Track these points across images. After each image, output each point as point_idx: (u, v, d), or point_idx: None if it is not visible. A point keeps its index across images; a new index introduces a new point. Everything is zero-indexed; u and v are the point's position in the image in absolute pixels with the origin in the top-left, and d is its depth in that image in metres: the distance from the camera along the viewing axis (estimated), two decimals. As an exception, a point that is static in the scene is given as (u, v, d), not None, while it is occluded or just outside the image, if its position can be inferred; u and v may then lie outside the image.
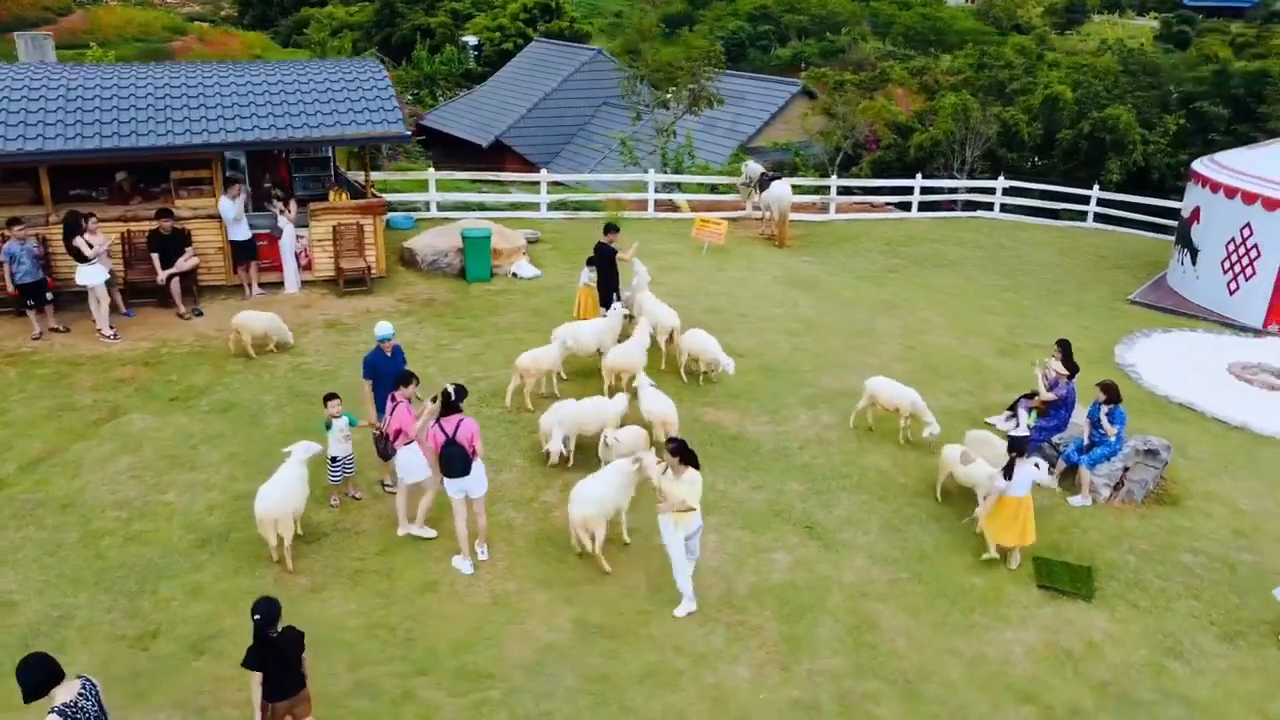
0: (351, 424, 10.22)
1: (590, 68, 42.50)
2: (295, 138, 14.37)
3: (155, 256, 14.10)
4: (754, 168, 21.39)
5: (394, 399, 9.63)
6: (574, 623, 8.92)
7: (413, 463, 9.70)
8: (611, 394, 12.02)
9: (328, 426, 10.12)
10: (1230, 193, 17.39)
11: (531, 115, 39.08)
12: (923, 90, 30.91)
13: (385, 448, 10.19)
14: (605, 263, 14.27)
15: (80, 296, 13.73)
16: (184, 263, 14.26)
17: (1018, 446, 10.04)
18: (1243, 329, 17.19)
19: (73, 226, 13.15)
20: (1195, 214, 18.28)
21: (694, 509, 8.84)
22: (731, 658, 8.69)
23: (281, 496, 9.22)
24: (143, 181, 15.31)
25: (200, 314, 14.39)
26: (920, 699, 8.38)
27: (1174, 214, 22.50)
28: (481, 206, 20.48)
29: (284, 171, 16.59)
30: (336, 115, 14.74)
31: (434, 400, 9.80)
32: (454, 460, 9.04)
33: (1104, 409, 11.51)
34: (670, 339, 13.79)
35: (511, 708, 7.93)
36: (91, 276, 13.15)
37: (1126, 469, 11.62)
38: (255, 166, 16.09)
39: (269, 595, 7.18)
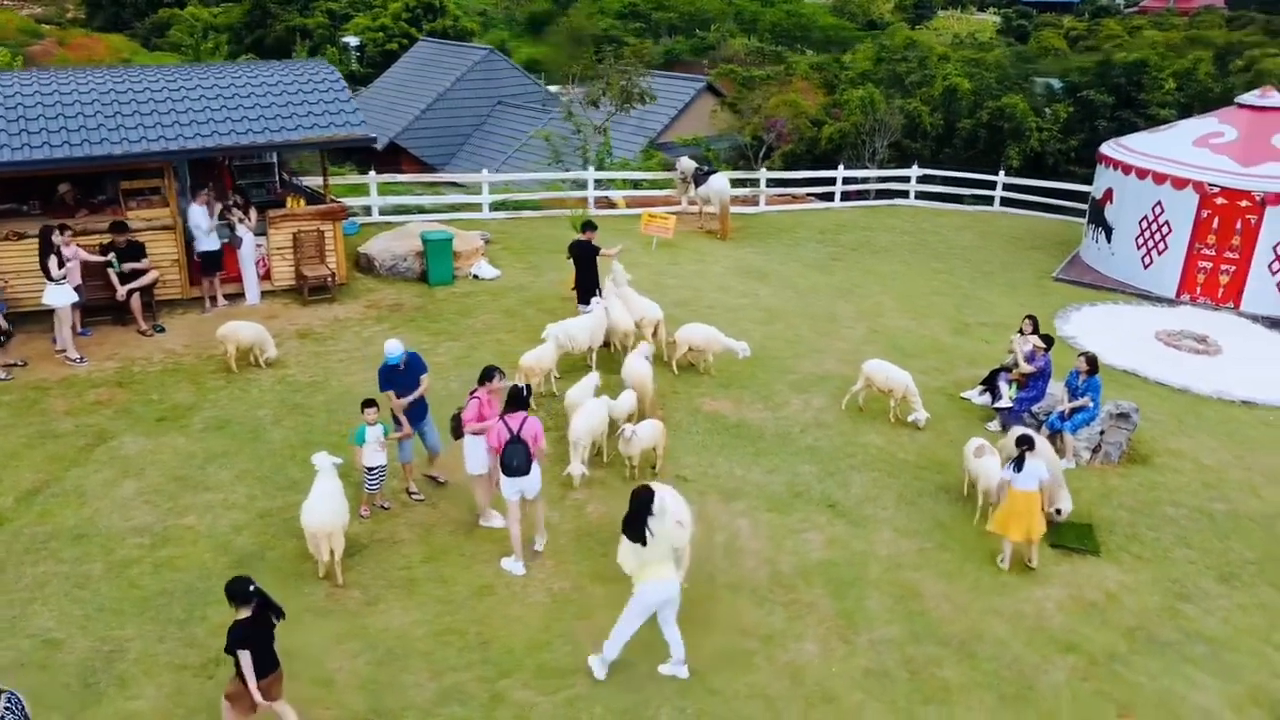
0: (385, 434, 10.00)
1: (483, 67, 42.09)
2: (257, 143, 13.86)
3: (112, 272, 13.36)
4: (688, 163, 21.73)
5: (472, 395, 9.70)
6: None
7: (473, 455, 9.71)
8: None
9: (361, 435, 9.88)
10: (1141, 174, 18.75)
11: (426, 116, 38.48)
12: (825, 85, 31.92)
13: (454, 428, 10.03)
14: (584, 260, 14.32)
15: (33, 316, 12.92)
16: (143, 277, 13.56)
17: (1028, 441, 10.16)
18: (1158, 300, 18.55)
19: (46, 244, 12.34)
20: (1108, 195, 19.61)
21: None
22: (796, 635, 8.96)
23: (331, 510, 9.00)
24: (87, 193, 14.47)
25: (162, 330, 13.73)
26: (978, 658, 8.84)
27: (1072, 195, 24.14)
28: (421, 209, 20.14)
29: (227, 179, 15.97)
30: (296, 119, 14.28)
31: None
32: (517, 457, 9.03)
33: (1082, 378, 12.32)
34: (655, 332, 13.96)
35: (605, 701, 8.00)
36: (58, 298, 12.37)
37: (1102, 432, 12.46)
38: (196, 174, 15.43)
39: (240, 574, 7.21)
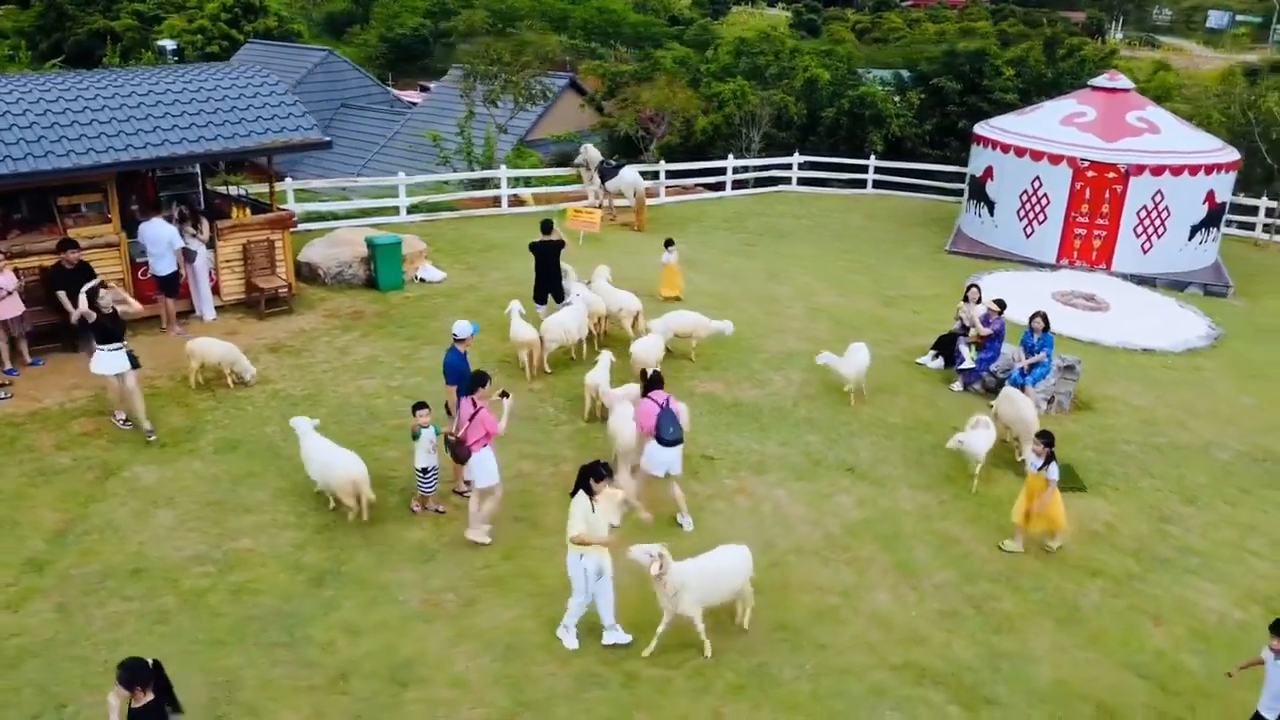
0: (436, 434, 9.93)
1: (323, 69, 40.78)
2: (212, 150, 13.21)
3: (63, 294, 12.39)
4: (593, 152, 22.02)
5: (473, 403, 9.50)
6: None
7: (489, 467, 9.65)
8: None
9: (415, 437, 9.78)
10: (1020, 152, 20.63)
11: (266, 122, 36.64)
12: (690, 80, 32.84)
13: (461, 452, 9.62)
14: (546, 259, 14.41)
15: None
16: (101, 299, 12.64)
17: (1049, 439, 10.08)
18: (1041, 265, 20.49)
19: None
20: (988, 172, 21.43)
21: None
22: (868, 587, 9.64)
23: (351, 459, 9.81)
24: (14, 212, 13.31)
25: (122, 354, 12.86)
26: (1024, 590, 9.80)
27: (938, 175, 26.15)
28: (334, 215, 19.54)
29: (150, 190, 15.03)
30: (246, 124, 13.68)
31: (503, 395, 9.86)
32: (672, 424, 9.71)
33: (1036, 336, 13.62)
34: (634, 322, 14.31)
35: (731, 665, 8.38)
36: None
37: (1054, 384, 13.84)
38: (120, 186, 14.44)
39: (135, 657, 6.35)
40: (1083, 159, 19.83)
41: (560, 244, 14.48)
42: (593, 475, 8.28)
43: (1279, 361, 16.58)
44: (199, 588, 8.78)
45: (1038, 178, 20.39)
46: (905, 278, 19.61)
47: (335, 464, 9.82)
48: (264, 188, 15.79)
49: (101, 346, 10.74)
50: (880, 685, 8.37)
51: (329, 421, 11.71)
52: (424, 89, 49.56)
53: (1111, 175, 19.72)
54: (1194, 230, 20.26)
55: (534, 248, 14.55)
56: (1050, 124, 20.86)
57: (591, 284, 14.62)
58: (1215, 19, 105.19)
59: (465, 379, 10.05)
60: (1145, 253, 20.14)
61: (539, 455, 11.41)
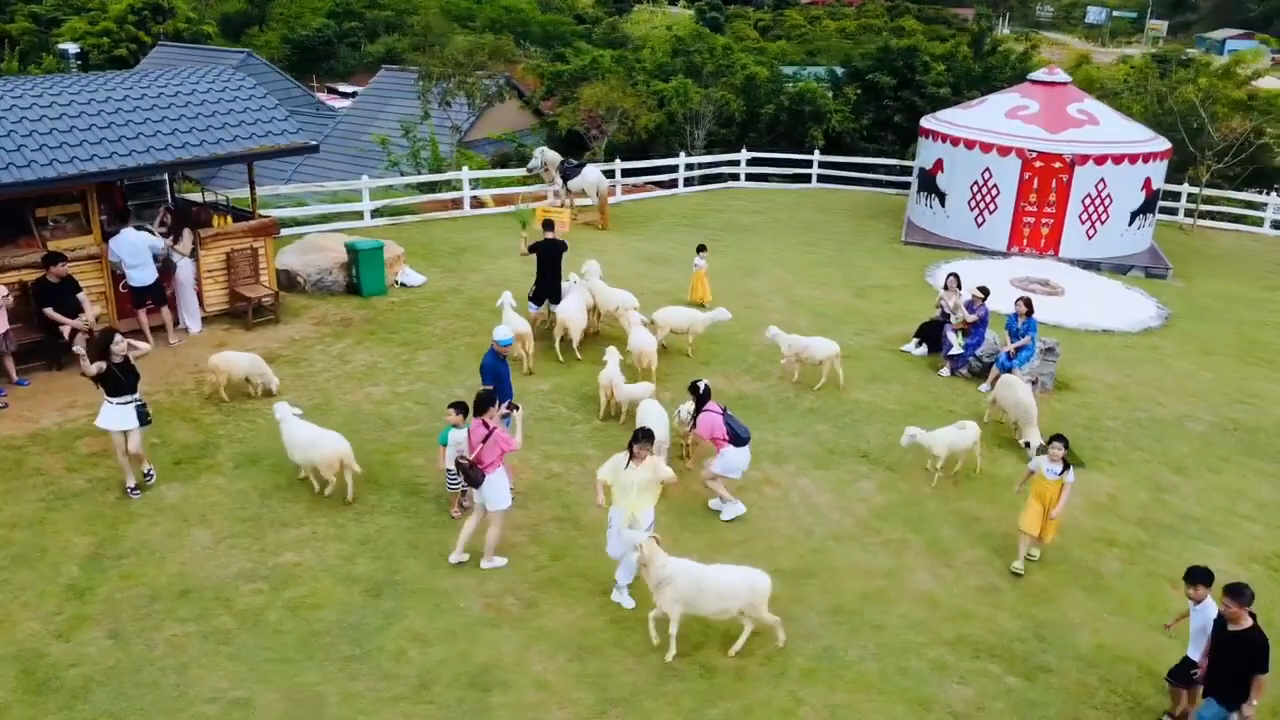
0: (442, 441, 9.84)
1: (244, 72, 39.42)
2: (200, 157, 12.78)
3: (51, 310, 11.88)
4: (552, 155, 21.98)
5: (485, 424, 9.07)
6: (776, 573, 9.57)
7: (503, 490, 9.23)
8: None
9: (444, 436, 9.71)
10: (969, 145, 21.37)
11: (183, 127, 35.42)
12: (628, 79, 32.96)
13: (475, 475, 9.06)
14: (550, 259, 14.38)
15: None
16: (89, 314, 12.16)
17: (1067, 442, 10.04)
18: (993, 253, 21.27)
19: None
20: (938, 164, 22.13)
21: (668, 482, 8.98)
22: (908, 569, 9.95)
23: (334, 438, 10.05)
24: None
25: (108, 370, 12.36)
26: (1049, 562, 10.24)
27: (879, 169, 26.90)
28: (296, 221, 19.08)
29: (119, 199, 14.48)
30: (230, 129, 13.30)
31: (511, 407, 9.83)
32: (741, 426, 10.13)
33: (1020, 320, 14.19)
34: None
35: (800, 652, 8.57)
36: None
37: (1037, 366, 14.43)
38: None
39: None
40: (1030, 150, 20.66)
41: (563, 245, 14.46)
42: (635, 439, 8.74)
43: (1225, 338, 17.60)
44: (254, 606, 8.56)
45: (988, 169, 21.16)
46: (870, 269, 20.14)
47: (319, 442, 10.07)
48: (280, 190, 15.38)
49: (111, 400, 9.66)
50: (941, 661, 8.67)
51: (345, 430, 11.42)
52: (333, 91, 48.52)
53: (1058, 165, 20.59)
54: (1133, 216, 21.32)
55: (537, 247, 14.44)
56: (996, 117, 21.66)
57: (586, 279, 14.67)
58: (1094, 14, 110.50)
59: (501, 381, 10.02)
60: (1090, 239, 21.10)
61: (564, 456, 11.42)
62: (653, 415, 11.23)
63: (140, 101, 13.02)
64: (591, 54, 32.86)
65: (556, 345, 13.89)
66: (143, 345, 10.19)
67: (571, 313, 13.78)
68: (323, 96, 45.62)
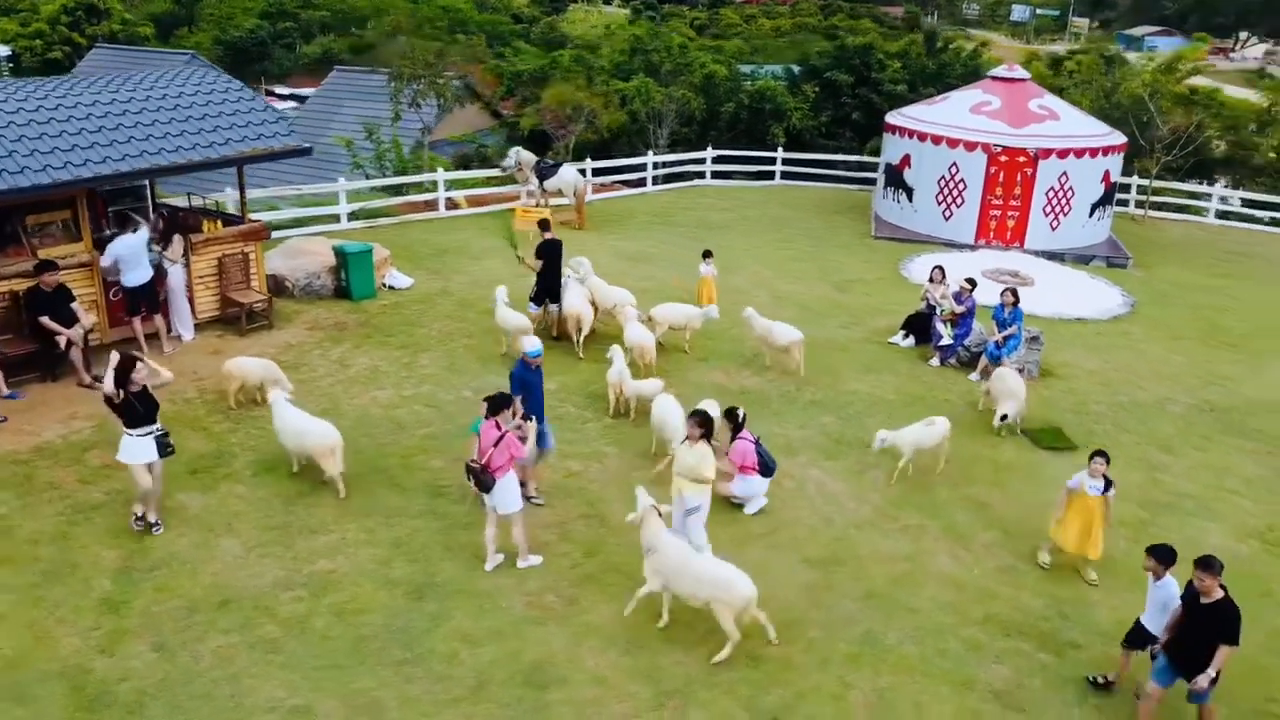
0: (474, 430, 9.86)
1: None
2: (194, 160, 12.53)
3: (46, 319, 11.57)
4: (526, 155, 21.94)
5: (497, 426, 9.09)
6: (805, 563, 9.83)
7: (514, 493, 9.22)
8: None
9: (476, 426, 9.72)
10: (936, 140, 21.86)
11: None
12: (587, 78, 32.99)
13: (486, 479, 9.01)
14: (552, 259, 14.39)
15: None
16: (84, 323, 11.87)
17: (1104, 453, 9.98)
18: (961, 246, 21.79)
19: None
20: (905, 160, 22.60)
21: (705, 481, 9.16)
22: (929, 553, 10.22)
23: (325, 427, 10.23)
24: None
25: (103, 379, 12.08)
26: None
27: (839, 165, 27.36)
28: (273, 226, 18.71)
29: (100, 206, 14.12)
30: (221, 132, 13.06)
31: (525, 418, 9.78)
32: (770, 459, 10.30)
33: (1007, 310, 14.59)
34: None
35: (844, 638, 8.75)
36: None
37: (1023, 354, 14.86)
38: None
39: None
40: (996, 145, 21.23)
41: (560, 243, 14.50)
42: (700, 422, 9.16)
43: (1189, 323, 18.31)
44: (298, 613, 8.47)
45: (955, 164, 21.68)
46: (844, 263, 20.49)
47: (310, 431, 10.24)
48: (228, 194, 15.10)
49: (130, 431, 9.15)
50: (975, 641, 8.93)
51: (358, 435, 11.45)
52: (270, 93, 47.59)
53: (1022, 159, 21.20)
54: (1093, 208, 22.03)
55: (540, 248, 14.42)
56: (961, 112, 22.19)
57: (578, 275, 14.74)
58: (1018, 12, 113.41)
59: (531, 391, 10.04)
60: (1054, 230, 21.75)
61: (581, 454, 11.47)
62: (669, 411, 11.37)
63: (129, 105, 12.72)
64: (531, 53, 32.79)
65: (578, 344, 14.00)
66: (164, 374, 9.67)
67: (580, 305, 14.01)
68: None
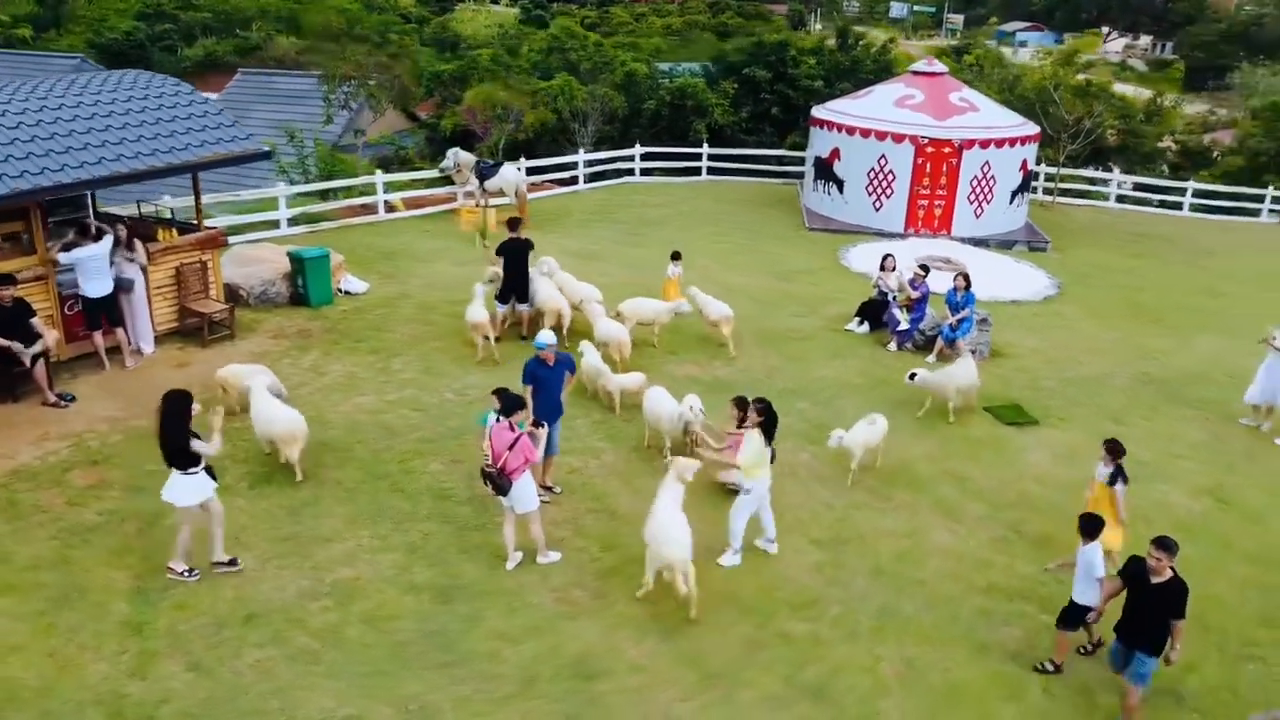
0: (482, 423, 9.86)
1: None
2: (155, 167, 12.06)
3: (1, 339, 10.99)
4: (465, 156, 21.75)
5: (512, 427, 9.10)
6: (813, 544, 10.13)
7: (530, 492, 9.25)
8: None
9: (484, 419, 9.73)
10: (865, 133, 22.57)
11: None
12: (505, 78, 32.76)
13: (503, 482, 9.02)
14: (515, 259, 14.35)
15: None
16: (45, 339, 11.33)
17: (1118, 449, 9.93)
18: (892, 235, 22.55)
19: None
20: (835, 153, 23.24)
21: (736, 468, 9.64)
22: (926, 527, 10.66)
23: (292, 416, 10.38)
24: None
25: (72, 398, 11.57)
26: (1042, 513, 11.11)
27: (761, 159, 27.93)
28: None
29: (40, 215, 13.47)
30: (179, 137, 12.61)
31: (536, 424, 9.73)
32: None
33: (960, 294, 15.22)
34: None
35: (867, 613, 9.09)
36: None
37: (975, 336, 15.53)
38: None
39: None
40: (923, 137, 22.04)
41: (529, 243, 14.48)
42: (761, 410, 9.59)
43: (1113, 303, 19.41)
44: (329, 623, 8.33)
45: (883, 156, 22.43)
46: (785, 255, 20.99)
47: (278, 418, 10.43)
48: (167, 201, 14.55)
49: (182, 471, 8.48)
50: (983, 607, 9.38)
51: (351, 443, 11.30)
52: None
53: (947, 150, 22.07)
54: (1012, 195, 23.09)
55: (503, 249, 14.37)
56: (886, 106, 22.96)
57: (545, 271, 14.81)
58: (896, 9, 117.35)
59: (541, 387, 10.06)
60: (978, 218, 22.72)
61: (577, 450, 11.51)
62: (662, 401, 11.54)
63: (78, 110, 12.16)
64: (426, 53, 32.29)
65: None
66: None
67: (557, 299, 14.13)
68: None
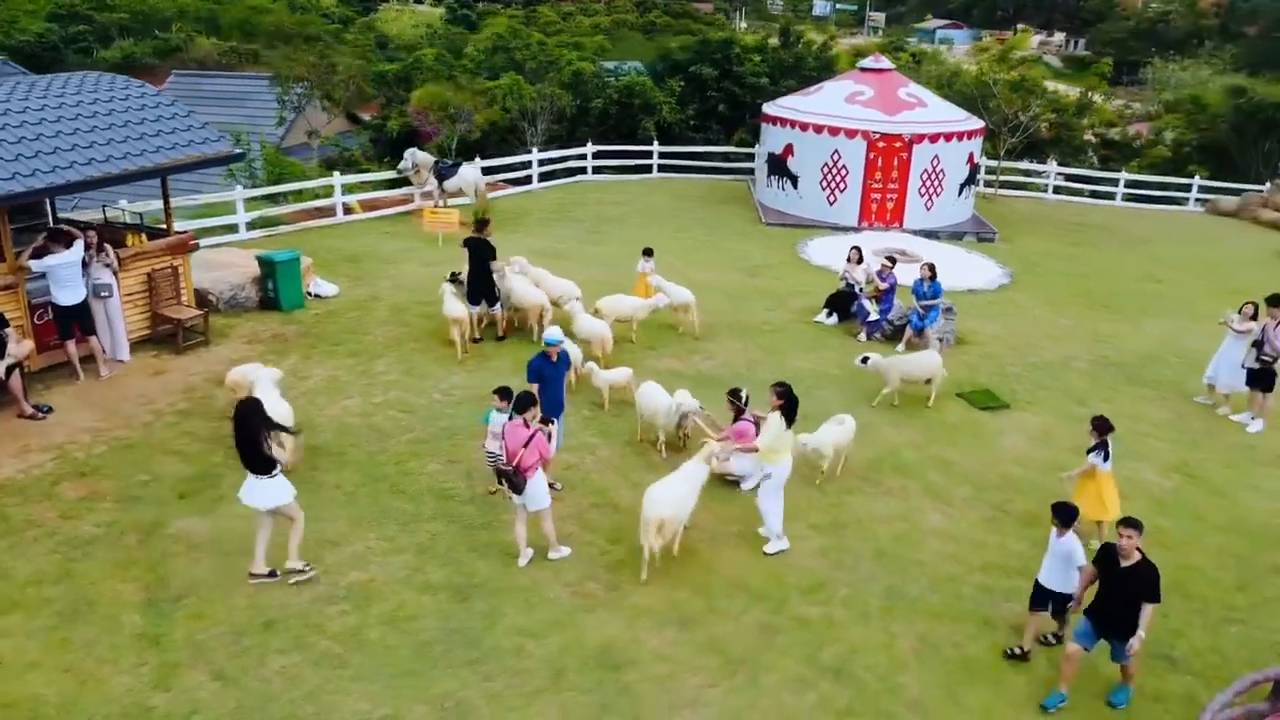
0: (485, 421, 9.89)
1: (-2, 80, 35.46)
2: (128, 171, 11.75)
3: (-19, 349, 10.65)
4: (424, 156, 21.58)
5: (526, 424, 9.12)
6: (814, 529, 10.35)
7: (543, 489, 9.32)
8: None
9: (487, 417, 9.78)
10: (818, 129, 22.96)
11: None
12: (451, 78, 32.48)
13: (518, 480, 9.02)
14: (478, 257, 14.25)
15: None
16: (19, 350, 10.98)
17: (1105, 426, 10.36)
18: (846, 229, 22.99)
19: None
20: (789, 149, 23.59)
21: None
22: (918, 510, 10.96)
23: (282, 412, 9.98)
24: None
25: (49, 409, 11.24)
26: (1028, 493, 11.48)
27: (710, 156, 28.22)
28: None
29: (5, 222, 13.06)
30: (149, 139, 12.32)
31: (546, 422, 9.74)
32: None
33: (926, 284, 15.63)
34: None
35: (876, 593, 9.32)
36: None
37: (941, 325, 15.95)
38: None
39: None
40: (875, 132, 22.51)
41: (491, 248, 14.39)
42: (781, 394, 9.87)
43: (1063, 290, 20.07)
44: (350, 626, 8.27)
45: (836, 151, 22.85)
46: (746, 250, 21.25)
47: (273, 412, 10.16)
48: (124, 206, 14.17)
49: (258, 476, 8.48)
50: (983, 584, 9.70)
51: (345, 446, 11.19)
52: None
53: (898, 145, 22.57)
54: (960, 188, 23.72)
55: (467, 243, 14.31)
56: (837, 102, 23.40)
57: (514, 270, 14.84)
58: (820, 8, 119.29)
59: (546, 383, 10.08)
60: (928, 210, 23.28)
61: (570, 446, 11.52)
62: (655, 396, 11.66)
63: (43, 113, 11.81)
64: (415, 54, 32.08)
65: (538, 336, 13.91)
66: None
67: (536, 294, 14.25)
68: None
